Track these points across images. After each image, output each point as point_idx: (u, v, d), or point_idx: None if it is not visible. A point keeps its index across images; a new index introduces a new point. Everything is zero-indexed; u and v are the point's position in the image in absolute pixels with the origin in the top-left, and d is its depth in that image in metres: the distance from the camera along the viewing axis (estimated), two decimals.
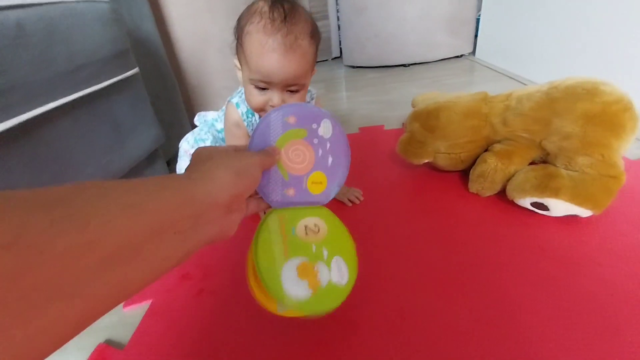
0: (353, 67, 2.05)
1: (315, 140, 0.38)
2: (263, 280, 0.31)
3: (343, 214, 0.65)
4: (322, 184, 0.39)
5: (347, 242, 0.38)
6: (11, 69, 0.43)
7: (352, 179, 0.73)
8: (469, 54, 1.85)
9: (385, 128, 1.06)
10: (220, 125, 0.72)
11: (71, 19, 0.54)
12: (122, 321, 0.50)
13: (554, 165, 0.58)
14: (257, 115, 0.62)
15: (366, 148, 0.92)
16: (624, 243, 0.50)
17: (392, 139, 0.95)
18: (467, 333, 0.40)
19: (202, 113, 0.76)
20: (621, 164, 0.53)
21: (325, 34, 2.20)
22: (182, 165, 0.74)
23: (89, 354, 0.46)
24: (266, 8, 0.49)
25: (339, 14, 2.22)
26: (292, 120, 0.37)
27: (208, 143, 0.71)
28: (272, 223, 0.35)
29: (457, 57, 1.84)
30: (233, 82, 1.27)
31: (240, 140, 0.63)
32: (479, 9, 1.68)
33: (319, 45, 0.54)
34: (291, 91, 0.53)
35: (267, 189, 0.36)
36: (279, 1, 0.50)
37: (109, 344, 0.47)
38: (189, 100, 1.18)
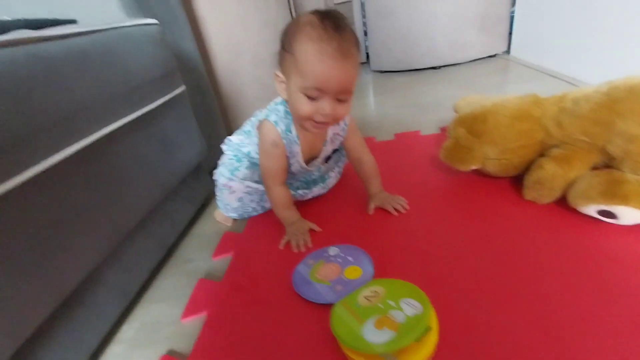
0: (381, 71, 2.04)
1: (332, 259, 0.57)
2: (357, 350, 0.38)
3: (390, 223, 0.64)
4: (357, 271, 0.53)
5: (404, 286, 0.44)
6: (77, 94, 0.46)
7: (395, 187, 0.72)
8: (503, 52, 1.78)
9: (422, 133, 1.04)
10: (246, 149, 0.71)
11: (127, 43, 0.57)
12: (181, 332, 0.52)
13: (620, 170, 0.54)
14: (294, 132, 0.61)
15: (405, 155, 0.91)
16: None
17: (431, 144, 0.93)
18: (528, 345, 0.38)
19: (228, 138, 0.74)
20: None
21: None
22: (221, 197, 0.74)
23: None
24: (316, 20, 0.49)
25: (364, 20, 2.22)
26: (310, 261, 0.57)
27: (242, 172, 0.71)
28: (339, 310, 0.43)
29: (491, 56, 1.78)
30: (264, 92, 1.29)
31: (278, 161, 0.63)
32: (513, 4, 1.62)
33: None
34: (340, 100, 0.53)
35: (321, 297, 0.49)
36: (326, 13, 0.51)
37: (170, 354, 0.48)
38: (224, 111, 1.21)
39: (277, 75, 0.56)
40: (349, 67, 0.50)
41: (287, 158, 0.64)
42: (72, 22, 0.53)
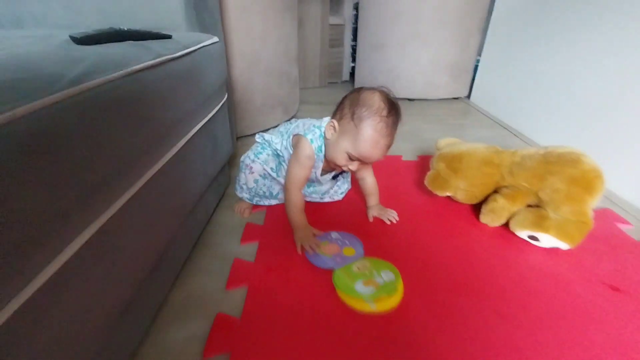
0: (381, 86, 2.27)
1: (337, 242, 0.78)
2: (350, 296, 0.62)
3: (383, 230, 0.84)
4: (351, 251, 0.74)
5: (385, 264, 0.69)
6: (187, 100, 0.58)
7: (388, 202, 0.92)
8: (465, 97, 2.12)
9: (403, 159, 1.26)
10: (276, 146, 0.86)
11: (207, 59, 0.69)
12: (228, 298, 0.65)
13: (545, 209, 0.79)
14: (322, 152, 0.76)
15: (392, 176, 1.12)
16: (589, 267, 0.72)
17: (412, 169, 1.15)
18: (463, 305, 0.59)
19: (261, 133, 0.89)
20: (591, 214, 0.75)
21: (339, 59, 2.41)
22: (241, 177, 0.88)
23: (209, 322, 0.60)
24: (385, 112, 0.67)
25: (353, 43, 2.45)
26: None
27: (263, 156, 0.86)
28: (338, 273, 0.67)
29: (455, 98, 2.10)
30: (270, 100, 1.43)
31: (307, 171, 0.78)
32: (479, 54, 1.95)
33: None
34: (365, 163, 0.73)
35: (326, 263, 0.70)
36: (393, 104, 0.69)
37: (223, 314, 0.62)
38: (234, 114, 1.32)
39: (333, 125, 0.72)
40: (386, 152, 0.71)
41: (312, 170, 0.80)
42: (168, 37, 0.63)
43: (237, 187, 0.91)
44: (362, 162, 0.72)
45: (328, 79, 2.42)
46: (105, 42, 0.53)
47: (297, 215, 0.79)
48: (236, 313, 0.62)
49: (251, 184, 0.88)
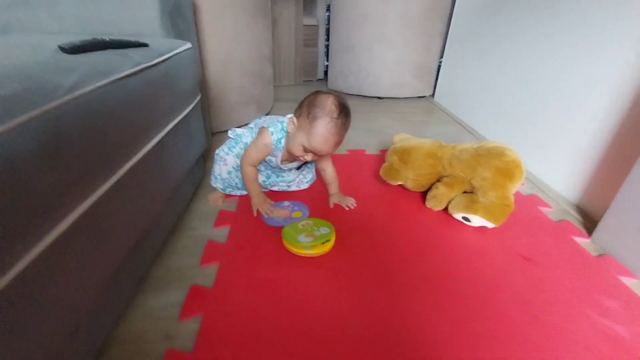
0: (336, 91, 2.38)
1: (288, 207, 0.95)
2: (293, 245, 0.77)
3: (343, 215, 0.96)
4: (299, 214, 0.92)
5: (325, 223, 0.85)
6: (162, 102, 0.67)
7: (348, 191, 1.05)
8: (429, 96, 2.27)
9: (367, 152, 1.39)
10: (246, 140, 0.97)
11: (183, 62, 0.78)
12: (202, 273, 0.75)
13: (476, 194, 0.94)
14: (282, 144, 0.88)
15: (355, 168, 1.24)
16: (509, 242, 0.86)
17: (373, 162, 1.28)
18: (406, 297, 0.73)
19: (233, 129, 1.01)
20: (512, 198, 0.90)
21: (314, 58, 2.51)
22: (216, 168, 0.98)
23: (185, 292, 0.70)
24: (336, 114, 0.79)
25: (327, 42, 2.56)
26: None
27: (237, 150, 0.97)
28: (287, 229, 0.83)
29: (420, 97, 2.25)
30: (244, 98, 1.52)
31: (260, 154, 0.90)
32: (441, 56, 2.11)
33: None
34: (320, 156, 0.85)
35: (278, 223, 0.88)
36: (343, 107, 0.81)
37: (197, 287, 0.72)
38: (208, 111, 1.40)
39: (293, 121, 0.84)
40: (337, 147, 0.83)
41: (267, 156, 0.91)
42: (145, 45, 0.72)
43: (212, 177, 1.00)
44: (316, 154, 0.83)
45: (303, 77, 2.52)
46: (90, 51, 0.61)
47: (252, 185, 0.92)
48: (208, 285, 0.72)
49: (224, 175, 0.97)
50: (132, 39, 0.71)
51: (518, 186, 0.92)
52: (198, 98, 0.93)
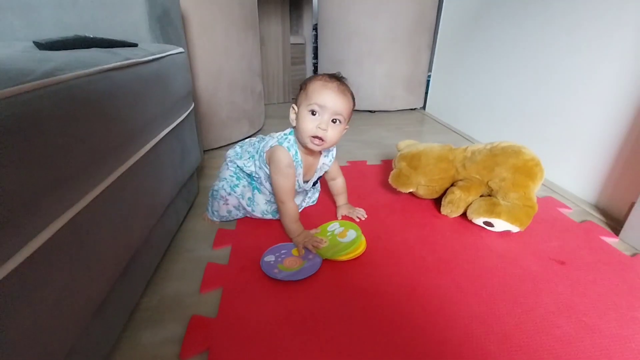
0: None
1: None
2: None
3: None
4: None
5: (353, 226, 0.83)
6: (154, 102, 0.59)
7: (356, 201, 0.97)
8: (420, 108, 2.27)
9: (368, 163, 1.32)
10: (249, 169, 0.85)
11: (174, 66, 0.71)
12: (202, 301, 0.64)
13: (496, 197, 0.88)
14: (299, 157, 0.77)
15: (359, 179, 1.17)
16: (538, 246, 0.80)
17: (376, 172, 1.22)
18: (417, 268, 0.64)
19: (230, 157, 0.88)
20: (535, 199, 0.85)
21: (301, 76, 2.49)
22: (214, 205, 0.86)
23: (185, 324, 0.59)
24: (326, 75, 0.73)
25: (314, 61, 2.56)
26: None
27: (240, 188, 0.84)
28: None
29: (412, 109, 2.25)
30: (235, 113, 1.45)
31: (292, 179, 0.77)
32: (429, 70, 2.12)
33: (352, 110, 0.77)
34: (334, 121, 0.73)
35: (287, 276, 0.69)
36: (333, 74, 0.75)
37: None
38: (199, 126, 1.32)
39: (293, 108, 0.76)
40: (343, 98, 0.72)
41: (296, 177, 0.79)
42: (134, 45, 0.65)
43: (209, 210, 0.89)
44: (327, 113, 0.71)
45: (291, 95, 2.49)
46: (71, 49, 0.53)
47: (294, 225, 0.80)
48: (212, 314, 0.61)
49: (223, 213, 0.87)
50: (120, 39, 0.64)
51: (539, 185, 0.86)
52: (191, 107, 0.86)
